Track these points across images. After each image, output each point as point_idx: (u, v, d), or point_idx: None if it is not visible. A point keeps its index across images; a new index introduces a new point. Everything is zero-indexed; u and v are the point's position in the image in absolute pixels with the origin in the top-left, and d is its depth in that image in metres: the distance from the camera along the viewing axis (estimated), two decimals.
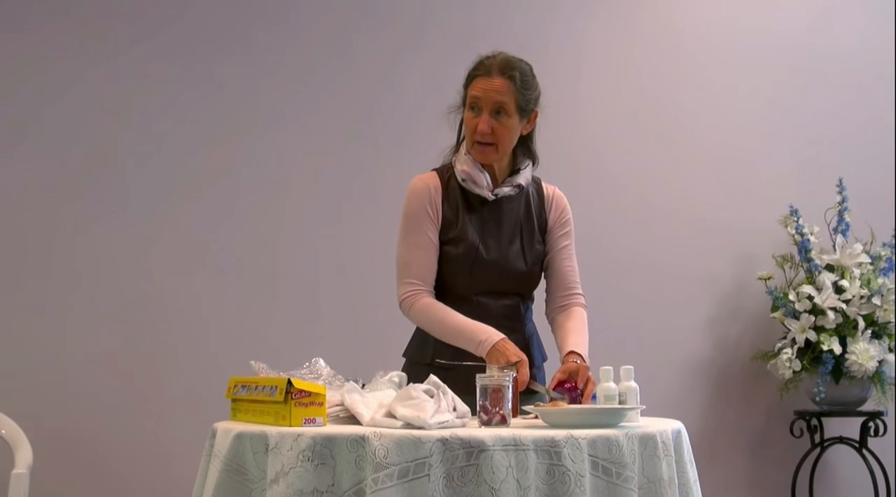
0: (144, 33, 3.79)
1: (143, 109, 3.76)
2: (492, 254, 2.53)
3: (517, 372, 2.31)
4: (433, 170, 2.61)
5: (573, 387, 2.30)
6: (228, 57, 3.84)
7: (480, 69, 2.50)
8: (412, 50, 3.98)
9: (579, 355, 2.42)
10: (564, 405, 2.22)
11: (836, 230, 4.06)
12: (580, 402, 2.28)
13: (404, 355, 2.62)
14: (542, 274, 2.64)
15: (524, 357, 2.37)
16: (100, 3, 3.77)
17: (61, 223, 3.67)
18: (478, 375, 2.10)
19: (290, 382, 2.01)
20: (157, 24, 3.80)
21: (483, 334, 2.40)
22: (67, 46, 3.73)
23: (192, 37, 3.82)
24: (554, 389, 2.31)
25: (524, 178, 2.59)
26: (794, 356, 3.89)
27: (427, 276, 2.51)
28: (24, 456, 2.87)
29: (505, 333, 2.42)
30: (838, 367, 3.87)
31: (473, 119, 2.50)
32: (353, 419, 2.07)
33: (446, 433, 1.86)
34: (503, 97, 2.47)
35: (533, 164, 2.63)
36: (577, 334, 2.51)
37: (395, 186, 2.67)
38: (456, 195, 2.55)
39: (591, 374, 2.33)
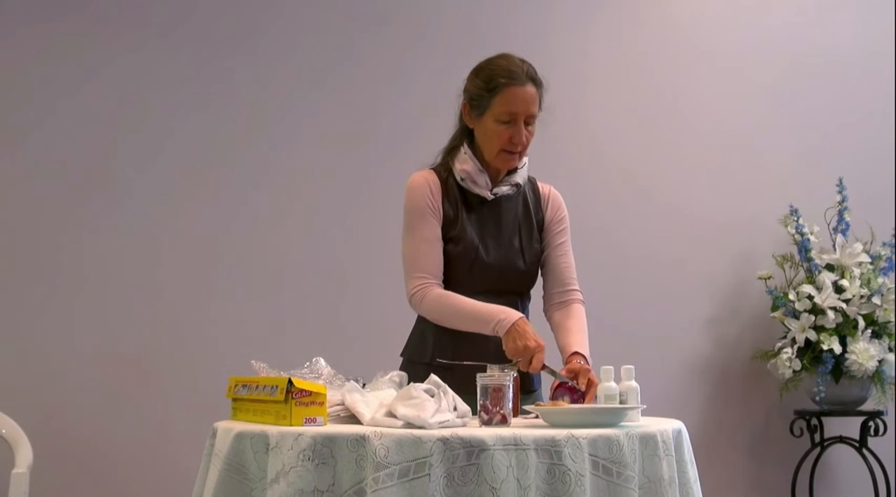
0: (151, 35, 3.78)
1: (148, 111, 3.76)
2: (491, 253, 2.53)
3: (531, 361, 2.31)
4: (430, 168, 2.60)
5: (575, 387, 2.30)
6: (236, 59, 3.84)
7: (509, 76, 2.46)
8: (416, 52, 3.97)
9: (582, 356, 2.42)
10: (565, 405, 2.22)
11: (835, 230, 4.06)
12: (582, 403, 2.28)
13: (402, 355, 2.62)
14: (540, 272, 2.64)
15: (542, 342, 2.36)
16: (106, 4, 3.77)
17: (62, 222, 3.67)
18: (478, 375, 2.10)
19: (290, 382, 2.01)
20: (162, 27, 3.80)
21: (501, 314, 2.39)
22: (75, 47, 3.72)
23: (197, 39, 3.82)
24: (556, 390, 2.31)
25: (521, 176, 2.59)
26: (794, 356, 3.89)
27: (435, 269, 2.49)
28: (25, 455, 2.87)
29: None
30: (838, 366, 3.87)
31: (506, 131, 2.46)
32: (353, 419, 2.08)
33: (447, 433, 1.86)
34: (535, 107, 2.48)
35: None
36: (578, 333, 2.51)
37: (396, 187, 2.67)
38: (455, 194, 2.55)
39: (592, 374, 2.32)
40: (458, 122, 2.60)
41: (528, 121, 2.48)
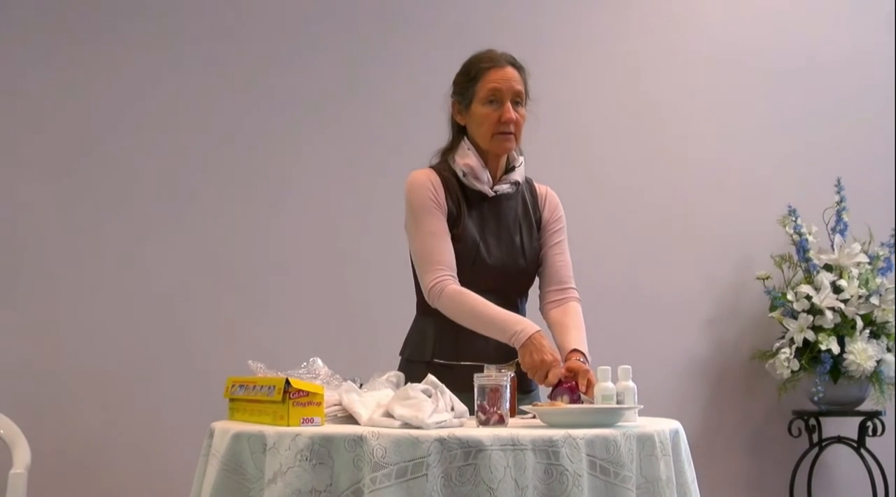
0: (158, 37, 3.78)
1: (147, 112, 3.75)
2: (492, 252, 2.53)
3: (547, 376, 2.30)
4: (429, 167, 2.60)
5: (574, 387, 2.30)
6: (235, 61, 3.83)
7: (489, 61, 2.51)
8: (403, 47, 3.96)
9: (581, 353, 2.42)
10: (564, 405, 2.22)
11: (834, 230, 4.06)
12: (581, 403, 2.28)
13: (401, 354, 2.61)
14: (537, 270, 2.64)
15: (558, 357, 2.36)
16: (108, 7, 3.77)
17: (60, 222, 3.67)
18: (475, 375, 2.10)
19: (288, 382, 2.01)
20: (167, 31, 3.79)
21: (518, 325, 2.38)
22: (78, 53, 3.71)
23: (201, 43, 3.81)
24: (555, 389, 2.31)
25: (520, 175, 2.60)
26: (792, 356, 3.89)
27: (450, 261, 2.47)
28: (23, 456, 2.88)
29: None
30: (836, 366, 3.87)
31: (494, 111, 2.49)
32: (350, 419, 2.07)
33: (444, 433, 1.86)
34: (520, 86, 2.52)
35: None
36: (577, 331, 2.51)
37: (393, 186, 2.67)
38: (456, 192, 2.54)
39: (591, 374, 2.32)
40: (450, 125, 2.62)
41: (516, 100, 2.51)
